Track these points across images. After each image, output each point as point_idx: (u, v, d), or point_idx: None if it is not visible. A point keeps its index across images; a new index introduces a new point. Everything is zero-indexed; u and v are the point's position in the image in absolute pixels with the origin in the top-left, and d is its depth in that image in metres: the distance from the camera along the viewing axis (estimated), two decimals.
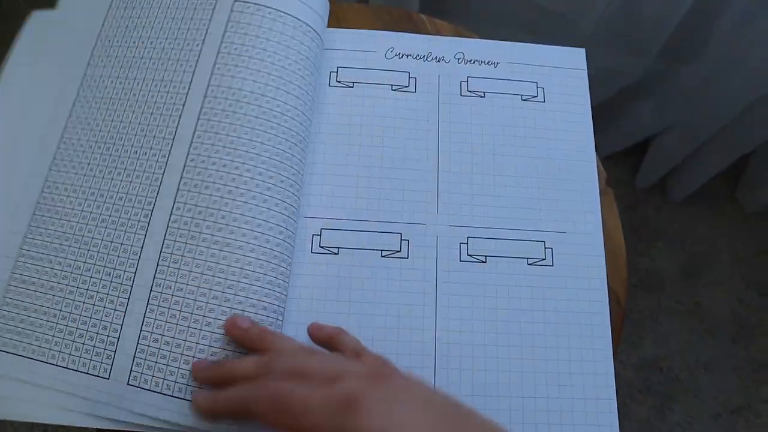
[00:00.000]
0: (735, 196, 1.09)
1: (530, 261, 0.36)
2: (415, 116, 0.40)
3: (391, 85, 0.41)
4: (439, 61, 0.42)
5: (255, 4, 0.36)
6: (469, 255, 0.36)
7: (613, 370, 0.35)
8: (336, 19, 0.44)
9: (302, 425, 0.24)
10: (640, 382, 0.96)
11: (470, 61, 0.42)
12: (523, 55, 0.42)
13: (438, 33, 0.45)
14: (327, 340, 0.31)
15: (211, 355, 0.30)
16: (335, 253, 0.36)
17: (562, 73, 0.42)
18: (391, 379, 0.26)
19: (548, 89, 0.41)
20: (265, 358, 0.28)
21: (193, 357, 0.30)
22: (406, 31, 0.45)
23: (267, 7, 0.36)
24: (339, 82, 0.41)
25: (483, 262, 0.36)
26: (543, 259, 0.37)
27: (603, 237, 0.38)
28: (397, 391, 0.25)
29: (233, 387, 0.27)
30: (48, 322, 0.32)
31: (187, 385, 0.30)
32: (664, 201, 1.07)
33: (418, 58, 0.42)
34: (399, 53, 0.42)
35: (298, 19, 0.37)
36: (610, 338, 0.35)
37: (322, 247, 0.36)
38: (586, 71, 0.43)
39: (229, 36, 0.36)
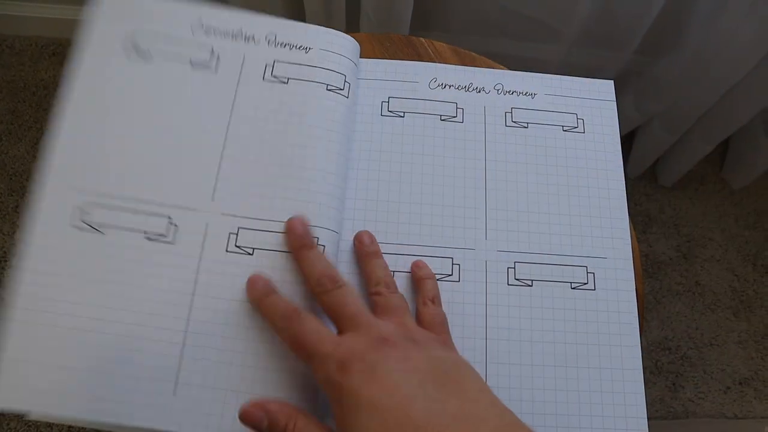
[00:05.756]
0: (721, 176, 1.13)
1: (573, 285, 0.38)
2: (464, 146, 0.42)
3: (440, 115, 0.43)
4: (480, 91, 0.44)
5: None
6: (517, 279, 0.38)
7: (643, 389, 0.38)
8: None
9: (310, 364, 0.30)
10: (650, 364, 0.99)
11: (509, 92, 0.44)
12: (558, 87, 0.44)
13: (438, 55, 0.49)
14: (417, 280, 0.37)
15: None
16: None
17: (595, 104, 0.44)
18: (396, 347, 0.29)
19: (587, 120, 0.44)
20: (325, 279, 0.33)
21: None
22: (408, 56, 0.48)
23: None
24: (390, 111, 0.43)
25: (530, 285, 0.38)
26: (585, 283, 0.38)
27: (633, 261, 0.40)
28: (393, 360, 0.28)
29: (278, 300, 0.33)
30: None
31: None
32: (655, 187, 1.12)
33: (460, 88, 0.44)
34: (442, 84, 0.44)
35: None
36: (640, 358, 0.38)
37: None
38: (615, 102, 0.45)
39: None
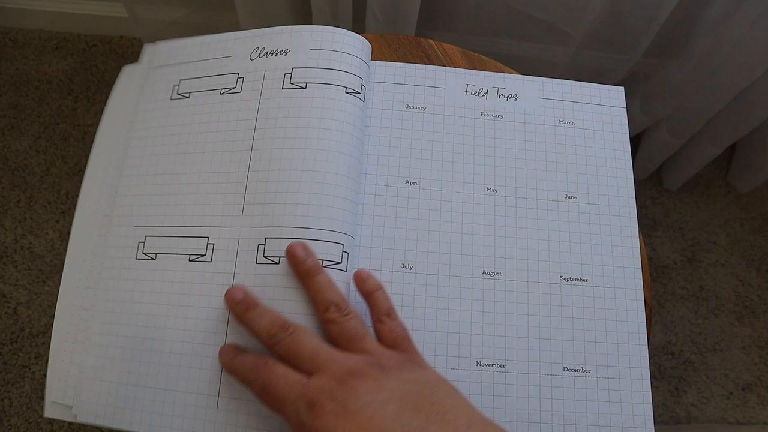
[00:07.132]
0: (728, 180, 1.12)
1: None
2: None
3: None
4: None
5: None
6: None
7: (650, 388, 0.36)
8: None
9: (282, 412, 0.29)
10: (653, 368, 0.99)
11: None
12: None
13: (447, 57, 0.48)
14: (365, 294, 0.34)
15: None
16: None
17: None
18: (364, 378, 0.28)
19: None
20: (275, 329, 0.31)
21: None
22: (417, 58, 0.47)
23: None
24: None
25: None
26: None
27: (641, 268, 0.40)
28: (364, 393, 0.27)
29: (246, 357, 0.32)
30: None
31: None
32: (661, 191, 1.11)
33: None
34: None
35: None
36: (648, 358, 0.37)
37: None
38: (625, 109, 0.44)
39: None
